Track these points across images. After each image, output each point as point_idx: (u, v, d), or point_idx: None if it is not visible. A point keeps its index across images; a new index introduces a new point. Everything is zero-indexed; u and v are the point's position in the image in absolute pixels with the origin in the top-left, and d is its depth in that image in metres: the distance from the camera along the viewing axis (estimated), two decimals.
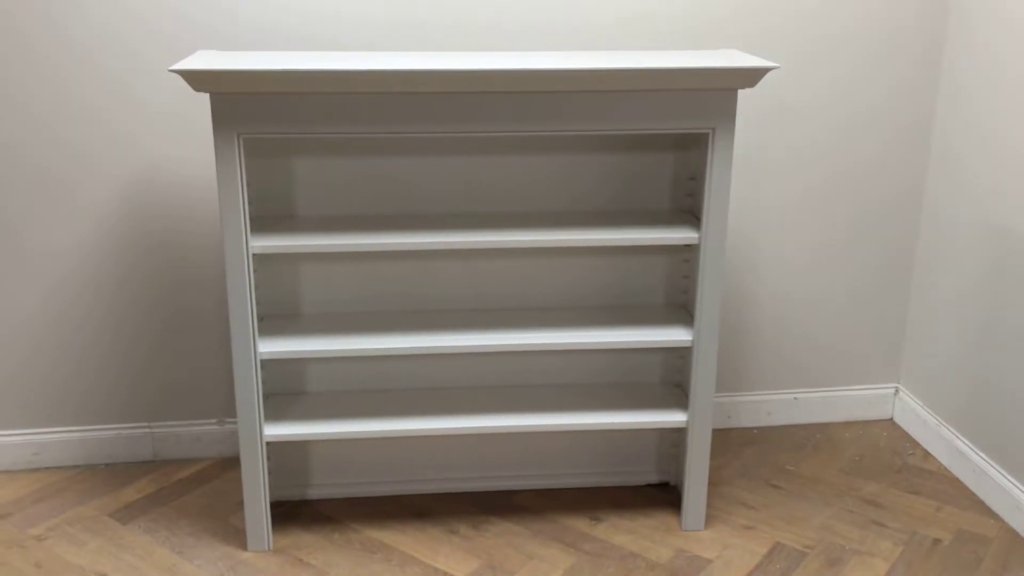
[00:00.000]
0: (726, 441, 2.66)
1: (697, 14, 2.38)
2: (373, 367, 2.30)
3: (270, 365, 2.22)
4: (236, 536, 2.22)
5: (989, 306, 2.37)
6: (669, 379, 2.36)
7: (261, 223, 2.10)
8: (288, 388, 2.29)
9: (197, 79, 1.82)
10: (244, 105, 1.86)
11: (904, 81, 2.51)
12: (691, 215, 2.21)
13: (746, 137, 2.45)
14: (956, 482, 2.48)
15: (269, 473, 2.18)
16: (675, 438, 2.39)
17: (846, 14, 2.44)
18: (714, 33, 2.40)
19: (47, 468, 2.51)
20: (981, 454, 2.41)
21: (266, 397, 2.20)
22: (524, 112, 1.92)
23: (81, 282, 2.41)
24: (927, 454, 2.62)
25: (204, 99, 2.10)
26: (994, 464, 2.36)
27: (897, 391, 2.79)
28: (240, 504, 2.27)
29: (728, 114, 1.96)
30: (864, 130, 2.54)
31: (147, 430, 2.53)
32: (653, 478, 2.44)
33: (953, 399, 2.54)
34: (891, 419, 2.81)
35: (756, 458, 2.59)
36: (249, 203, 1.96)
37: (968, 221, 2.43)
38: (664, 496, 2.39)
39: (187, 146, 2.32)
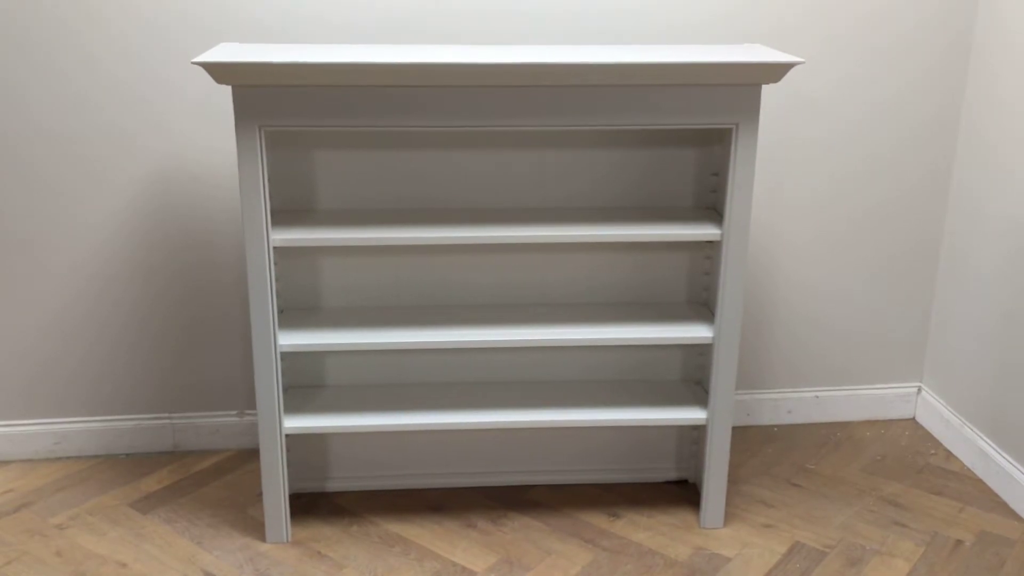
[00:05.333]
0: (746, 439, 2.64)
1: (714, 6, 2.36)
2: (392, 361, 2.30)
3: (290, 358, 2.22)
4: (255, 528, 2.22)
5: (1014, 305, 2.34)
6: (689, 376, 2.35)
7: (282, 216, 2.10)
8: (307, 381, 2.29)
9: (219, 71, 1.82)
10: (266, 98, 1.86)
11: (932, 70, 2.48)
12: (713, 211, 2.19)
13: (768, 129, 2.42)
14: (979, 483, 2.45)
15: (288, 465, 2.18)
16: (695, 435, 2.37)
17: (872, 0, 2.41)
18: (731, 25, 2.37)
19: (68, 457, 2.53)
20: (1005, 455, 2.39)
21: (285, 390, 2.20)
22: (546, 106, 1.91)
23: (102, 273, 2.42)
24: (950, 454, 2.59)
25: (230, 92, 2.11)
26: (1018, 465, 2.34)
27: (920, 390, 2.77)
28: (259, 496, 2.28)
29: (752, 109, 1.94)
30: (889, 121, 2.51)
31: (167, 421, 2.54)
32: (672, 475, 2.43)
33: (977, 399, 2.51)
34: (913, 418, 2.79)
35: (776, 456, 2.57)
36: (270, 196, 1.96)
37: (996, 216, 2.40)
38: (683, 493, 2.38)
39: (216, 136, 2.33)
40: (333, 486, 2.36)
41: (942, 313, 2.66)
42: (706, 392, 2.21)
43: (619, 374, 2.34)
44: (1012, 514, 2.32)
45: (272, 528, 2.17)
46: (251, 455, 2.53)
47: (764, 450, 2.60)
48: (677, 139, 2.20)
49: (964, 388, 2.57)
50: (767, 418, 2.73)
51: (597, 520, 2.27)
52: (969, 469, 2.51)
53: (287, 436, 2.13)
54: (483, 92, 1.89)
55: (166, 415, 2.55)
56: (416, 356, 2.29)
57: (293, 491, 2.31)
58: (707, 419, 2.17)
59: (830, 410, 2.75)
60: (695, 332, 2.13)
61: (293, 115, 1.88)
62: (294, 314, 2.20)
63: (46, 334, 2.45)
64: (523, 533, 2.22)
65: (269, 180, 1.96)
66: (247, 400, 2.54)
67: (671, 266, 2.28)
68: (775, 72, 1.91)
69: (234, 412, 2.56)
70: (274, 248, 1.98)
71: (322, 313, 2.21)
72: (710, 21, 2.37)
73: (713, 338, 2.11)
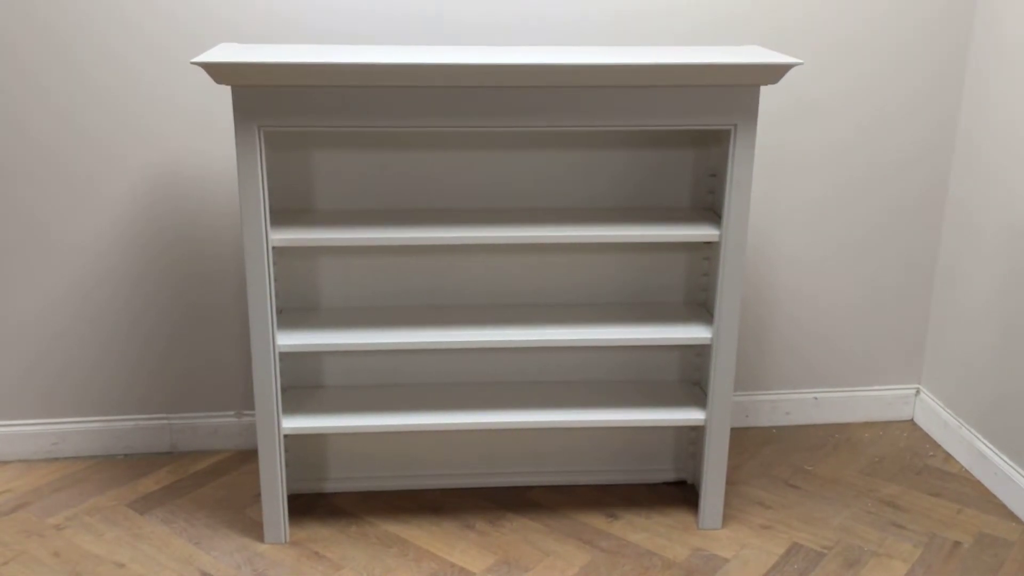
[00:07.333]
0: (744, 440, 2.64)
1: (716, 10, 2.37)
2: (391, 361, 2.30)
3: (288, 358, 2.22)
4: (253, 528, 2.22)
5: (1013, 308, 2.34)
6: (687, 377, 2.35)
7: (280, 216, 2.10)
8: (306, 381, 2.29)
9: (219, 72, 1.82)
10: (265, 98, 1.87)
11: (928, 80, 2.49)
12: (712, 212, 2.20)
13: (768, 134, 2.43)
14: (977, 485, 2.45)
15: (286, 466, 2.18)
16: (693, 436, 2.37)
17: (869, 10, 2.41)
18: (734, 30, 2.38)
19: (66, 458, 2.52)
20: (1003, 457, 2.39)
21: (284, 390, 2.20)
22: (545, 107, 1.92)
23: (101, 273, 2.42)
24: (948, 456, 2.59)
25: (225, 93, 2.12)
26: (1016, 467, 2.34)
27: (918, 392, 2.77)
28: (257, 496, 2.28)
29: (750, 110, 1.95)
30: (887, 129, 2.52)
31: (165, 422, 2.54)
32: (670, 476, 2.43)
33: (975, 401, 2.51)
34: (912, 420, 2.79)
35: (774, 457, 2.57)
36: (269, 196, 1.96)
37: (992, 221, 2.41)
38: (681, 494, 2.38)
39: (207, 140, 2.33)
40: (331, 487, 2.36)
41: (940, 315, 2.66)
42: (704, 393, 2.21)
43: (617, 375, 2.35)
44: (1010, 515, 2.32)
45: (270, 529, 2.17)
46: (249, 456, 2.53)
47: (762, 451, 2.60)
48: (676, 140, 2.20)
49: (962, 390, 2.57)
50: (765, 419, 2.73)
51: (595, 521, 2.27)
52: (967, 471, 2.51)
53: (285, 437, 2.13)
54: (481, 93, 1.90)
55: (164, 416, 2.55)
56: (415, 356, 2.29)
57: (291, 492, 2.31)
58: (705, 420, 2.17)
59: (829, 412, 2.75)
60: (693, 333, 2.14)
61: (292, 115, 1.89)
62: (293, 314, 2.20)
63: (45, 335, 2.45)
64: (521, 534, 2.22)
65: (268, 180, 1.96)
66: (245, 401, 2.54)
67: (669, 267, 2.28)
68: (773, 73, 1.91)
69: (232, 413, 2.56)
70: (273, 248, 1.98)
71: (321, 313, 2.21)
72: (712, 27, 2.38)
73: (711, 339, 2.11)
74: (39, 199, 2.35)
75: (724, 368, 2.12)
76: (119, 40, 2.25)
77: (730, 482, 2.36)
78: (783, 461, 2.56)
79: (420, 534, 2.21)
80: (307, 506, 2.31)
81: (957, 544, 2.21)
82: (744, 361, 2.64)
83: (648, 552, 2.16)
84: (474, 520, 2.27)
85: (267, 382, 2.04)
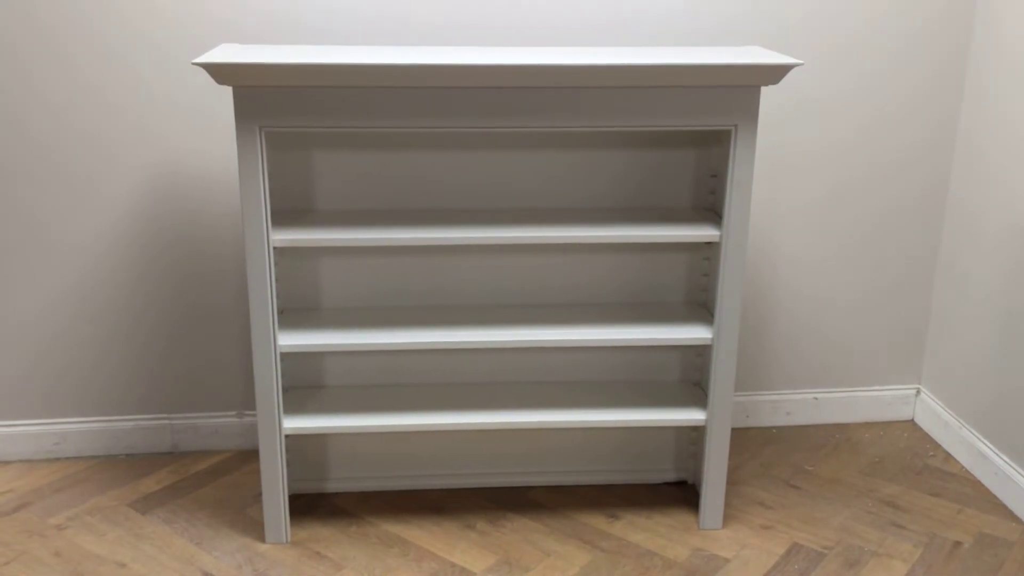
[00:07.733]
0: (745, 440, 2.65)
1: (717, 11, 2.37)
2: (392, 361, 2.30)
3: (289, 358, 2.22)
4: (254, 528, 2.22)
5: (1013, 308, 2.35)
6: (688, 377, 2.35)
7: (281, 217, 2.10)
8: (307, 382, 2.29)
9: (220, 72, 1.82)
10: (266, 98, 1.87)
11: (929, 80, 2.49)
12: (712, 212, 2.20)
13: (768, 134, 2.43)
14: (978, 485, 2.45)
15: (287, 466, 2.18)
16: (693, 436, 2.38)
17: (869, 10, 2.42)
18: (735, 30, 2.38)
19: (67, 458, 2.52)
20: (1004, 457, 2.39)
21: (285, 390, 2.20)
22: (545, 107, 1.92)
23: (102, 274, 2.42)
24: (948, 456, 2.59)
25: (225, 94, 2.12)
26: (1017, 467, 2.34)
27: (918, 392, 2.77)
28: (258, 497, 2.28)
29: (751, 111, 1.95)
30: (888, 129, 2.52)
31: (167, 422, 2.54)
32: (671, 476, 2.43)
33: (975, 401, 2.51)
34: (912, 420, 2.79)
35: (775, 458, 2.57)
36: (269, 196, 1.96)
37: (993, 221, 2.41)
38: (682, 494, 2.38)
39: (208, 141, 2.33)
40: (332, 487, 2.36)
41: (940, 316, 2.66)
42: (705, 393, 2.21)
43: (618, 375, 2.35)
44: (1010, 515, 2.32)
45: (271, 529, 2.17)
46: (250, 456, 2.53)
47: (763, 452, 2.60)
48: (677, 141, 2.20)
49: (963, 390, 2.57)
50: (766, 420, 2.73)
51: (596, 521, 2.27)
52: (967, 471, 2.52)
53: (286, 437, 2.13)
54: (482, 93, 1.90)
55: (165, 416, 2.55)
56: (415, 357, 2.30)
57: (292, 492, 2.31)
58: (706, 420, 2.17)
59: (829, 412, 2.75)
60: (694, 333, 2.14)
61: (293, 116, 1.89)
62: (294, 314, 2.20)
63: (45, 335, 2.45)
64: (522, 534, 2.22)
65: (268, 180, 1.97)
66: (246, 401, 2.55)
67: (670, 267, 2.28)
68: (774, 73, 1.91)
69: (233, 413, 2.56)
70: (274, 248, 1.98)
71: (322, 313, 2.21)
72: (712, 28, 2.37)
73: (712, 339, 2.12)
74: (39, 199, 2.35)
75: (724, 368, 2.12)
76: (119, 40, 2.25)
77: (731, 482, 2.36)
78: (783, 461, 2.56)
79: (421, 534, 2.21)
80: (308, 506, 2.31)
81: (957, 544, 2.21)
82: (744, 361, 2.65)
83: (649, 552, 2.16)
84: (475, 520, 2.27)
85: (268, 382, 2.04)
